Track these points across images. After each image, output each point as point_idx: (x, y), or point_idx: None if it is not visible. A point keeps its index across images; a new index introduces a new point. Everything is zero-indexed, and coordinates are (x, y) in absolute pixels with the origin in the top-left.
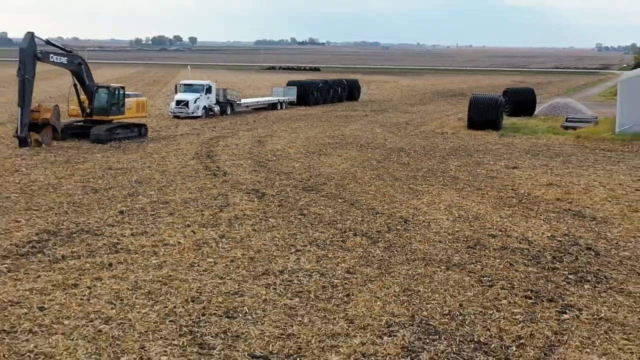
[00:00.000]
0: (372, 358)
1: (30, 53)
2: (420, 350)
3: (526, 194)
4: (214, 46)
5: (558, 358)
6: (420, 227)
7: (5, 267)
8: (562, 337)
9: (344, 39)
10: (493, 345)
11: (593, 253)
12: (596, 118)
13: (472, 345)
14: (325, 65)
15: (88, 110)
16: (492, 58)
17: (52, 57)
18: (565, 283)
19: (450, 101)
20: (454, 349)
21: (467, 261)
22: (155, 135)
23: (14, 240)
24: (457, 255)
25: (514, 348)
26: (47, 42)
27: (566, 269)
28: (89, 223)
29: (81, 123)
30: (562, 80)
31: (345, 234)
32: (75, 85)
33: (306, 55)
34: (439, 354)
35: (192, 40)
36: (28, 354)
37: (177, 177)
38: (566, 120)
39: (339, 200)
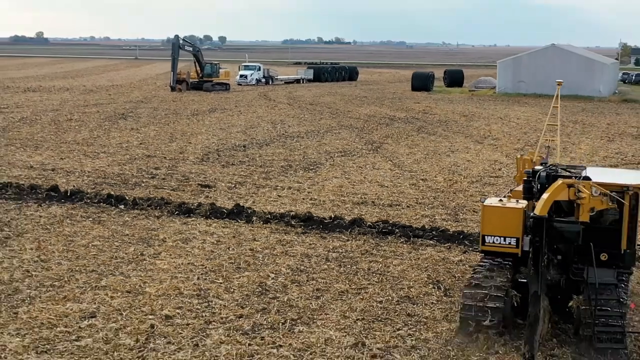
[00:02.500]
0: (317, 129)
1: (177, 45)
2: (336, 125)
3: (408, 108)
4: (243, 45)
5: (373, 132)
6: (352, 113)
7: (208, 112)
8: (383, 126)
9: (371, 38)
10: (351, 125)
11: (424, 118)
12: (494, 86)
13: (343, 122)
14: (346, 61)
15: (201, 75)
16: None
17: (186, 47)
18: (397, 124)
19: None
20: (338, 125)
21: (362, 123)
22: (233, 90)
23: (202, 109)
24: (358, 120)
25: (362, 127)
26: (184, 39)
27: (398, 122)
28: (225, 107)
29: (197, 81)
30: None
31: (322, 113)
32: (194, 62)
33: (331, 53)
34: (337, 124)
35: (222, 39)
36: (211, 123)
37: (252, 101)
38: (474, 87)
39: (324, 107)
